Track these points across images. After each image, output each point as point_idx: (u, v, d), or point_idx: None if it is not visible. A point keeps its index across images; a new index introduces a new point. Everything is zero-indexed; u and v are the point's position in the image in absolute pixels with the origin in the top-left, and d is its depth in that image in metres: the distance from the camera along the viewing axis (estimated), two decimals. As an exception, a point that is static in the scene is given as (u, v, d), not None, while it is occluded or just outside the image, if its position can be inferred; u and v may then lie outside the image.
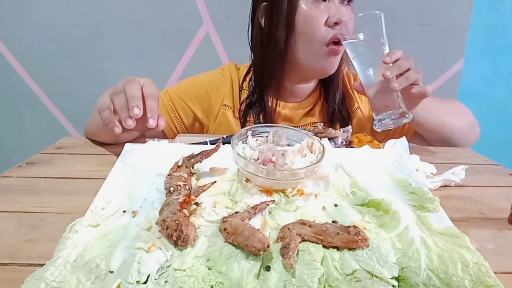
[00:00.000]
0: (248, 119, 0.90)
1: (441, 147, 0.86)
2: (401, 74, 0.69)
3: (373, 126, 0.73)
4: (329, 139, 0.69)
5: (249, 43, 0.91)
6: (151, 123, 0.60)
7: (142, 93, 0.61)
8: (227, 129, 0.91)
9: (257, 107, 0.89)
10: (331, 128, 0.73)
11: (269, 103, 0.89)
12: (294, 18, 0.80)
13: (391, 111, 0.70)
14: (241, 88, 0.92)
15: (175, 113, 0.92)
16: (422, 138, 0.91)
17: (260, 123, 0.89)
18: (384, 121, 0.70)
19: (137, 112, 0.58)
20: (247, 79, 0.93)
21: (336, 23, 0.78)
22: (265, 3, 0.84)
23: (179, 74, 1.64)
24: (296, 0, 0.79)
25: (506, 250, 0.46)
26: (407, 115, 0.69)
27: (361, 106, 0.96)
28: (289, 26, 0.80)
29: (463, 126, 0.84)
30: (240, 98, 0.92)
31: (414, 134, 0.93)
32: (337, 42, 0.80)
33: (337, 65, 0.85)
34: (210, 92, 0.92)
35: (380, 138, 0.97)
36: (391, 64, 0.68)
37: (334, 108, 0.92)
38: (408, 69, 0.69)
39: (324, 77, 0.88)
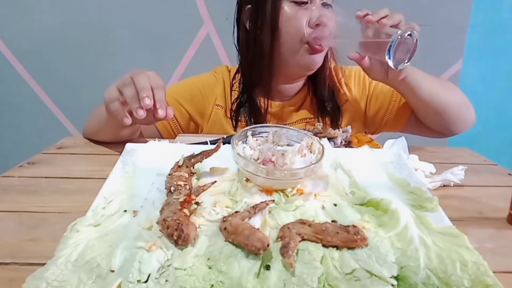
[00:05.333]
0: (239, 118, 0.92)
1: (440, 146, 0.87)
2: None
3: (389, 66, 0.68)
4: (328, 139, 0.70)
5: (235, 45, 0.92)
6: (161, 113, 0.61)
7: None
8: (220, 128, 0.93)
9: (247, 107, 0.91)
10: (330, 128, 0.73)
11: (259, 103, 0.91)
12: (278, 19, 0.81)
13: (392, 37, 0.64)
14: (232, 89, 0.94)
15: None
16: (416, 124, 0.90)
17: (251, 122, 0.91)
18: (394, 52, 0.65)
19: (148, 102, 0.59)
20: (237, 78, 0.95)
21: (317, 24, 0.79)
22: (249, 6, 0.85)
23: (179, 75, 1.64)
24: (279, 2, 0.81)
25: (505, 250, 0.47)
26: (408, 30, 0.64)
27: (351, 99, 0.96)
28: (273, 27, 0.82)
29: (456, 101, 0.83)
30: (231, 98, 0.94)
31: (407, 122, 0.93)
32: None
33: (322, 61, 0.87)
34: (204, 93, 0.94)
35: (373, 129, 0.98)
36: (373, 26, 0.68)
37: (323, 102, 0.93)
38: (387, 15, 0.69)
39: (310, 73, 0.89)
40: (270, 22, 0.82)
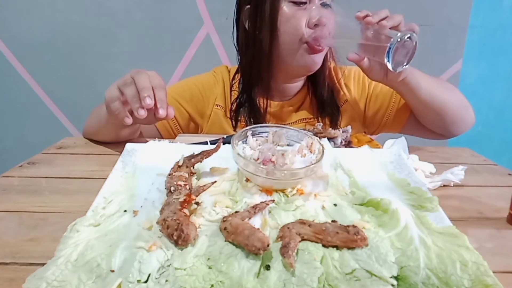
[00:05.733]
0: (239, 118, 0.92)
1: (440, 146, 0.87)
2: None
3: (388, 68, 0.68)
4: (328, 139, 0.70)
5: (234, 45, 0.93)
6: (161, 113, 0.61)
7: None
8: (220, 128, 0.93)
9: (246, 107, 0.91)
10: (330, 128, 0.73)
11: (258, 103, 0.91)
12: (277, 19, 0.82)
13: (391, 40, 0.64)
14: (231, 89, 0.95)
15: None
16: (415, 125, 0.90)
17: (250, 122, 0.91)
18: (393, 55, 0.65)
19: (149, 102, 0.60)
20: (236, 78, 0.95)
21: (316, 25, 0.79)
22: (248, 6, 0.86)
23: (179, 75, 1.64)
24: (278, 2, 0.81)
25: (504, 250, 0.47)
26: (408, 33, 0.64)
27: (350, 99, 0.96)
28: (272, 27, 0.82)
29: (455, 102, 0.83)
30: (231, 98, 0.94)
31: (406, 123, 0.93)
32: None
33: (321, 61, 0.87)
34: (203, 93, 0.95)
35: (372, 130, 0.98)
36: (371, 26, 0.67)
37: (323, 102, 0.93)
38: (387, 16, 0.69)
39: (310, 73, 0.90)
40: (269, 22, 0.82)
